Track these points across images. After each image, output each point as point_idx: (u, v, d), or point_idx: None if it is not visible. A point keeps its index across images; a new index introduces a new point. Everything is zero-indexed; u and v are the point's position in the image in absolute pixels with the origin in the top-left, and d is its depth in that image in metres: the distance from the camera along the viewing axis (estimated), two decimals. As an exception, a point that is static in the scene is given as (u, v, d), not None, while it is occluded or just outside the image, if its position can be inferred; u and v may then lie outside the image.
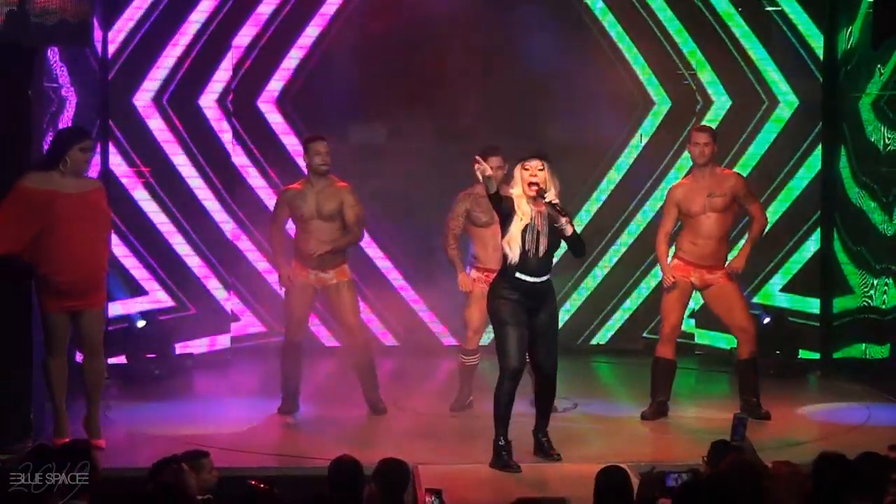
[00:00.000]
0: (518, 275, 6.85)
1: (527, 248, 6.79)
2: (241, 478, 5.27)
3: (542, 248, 6.81)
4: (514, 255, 6.81)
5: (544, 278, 6.91)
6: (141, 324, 9.29)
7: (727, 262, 8.12)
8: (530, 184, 6.78)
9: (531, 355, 7.03)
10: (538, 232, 6.80)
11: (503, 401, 6.86)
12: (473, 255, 8.20)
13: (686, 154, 10.18)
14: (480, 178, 6.86)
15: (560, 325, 10.33)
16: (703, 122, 9.52)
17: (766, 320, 9.56)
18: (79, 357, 7.51)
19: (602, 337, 10.57)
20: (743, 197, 8.10)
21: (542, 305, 6.93)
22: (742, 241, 8.34)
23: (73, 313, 7.19)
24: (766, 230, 8.40)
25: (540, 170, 6.81)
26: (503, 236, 6.88)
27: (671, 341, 8.15)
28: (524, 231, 6.80)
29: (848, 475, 4.77)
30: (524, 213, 6.79)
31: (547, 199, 6.76)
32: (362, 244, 9.21)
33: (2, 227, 6.98)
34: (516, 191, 6.84)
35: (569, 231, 6.79)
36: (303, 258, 8.09)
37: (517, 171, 6.89)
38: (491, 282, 7.20)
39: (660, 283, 10.36)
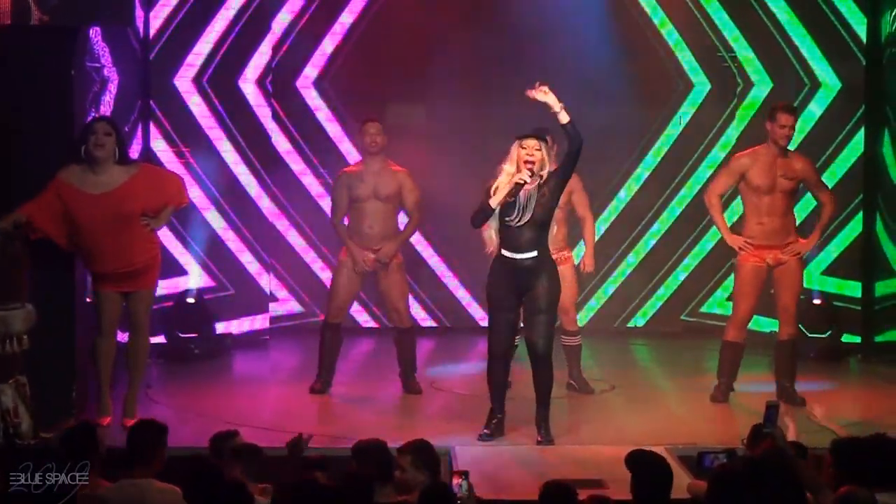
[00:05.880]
0: (504, 252, 6.93)
1: (512, 223, 6.84)
2: (278, 458, 5.30)
3: (525, 222, 6.82)
4: (497, 237, 6.93)
5: (533, 254, 6.89)
6: (190, 300, 9.41)
7: (792, 244, 7.92)
8: (526, 161, 6.83)
9: (525, 334, 7.11)
10: (522, 207, 6.83)
11: (492, 380, 7.08)
12: None
13: (725, 136, 10.20)
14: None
15: (597, 307, 10.48)
16: (743, 105, 9.46)
17: (817, 301, 9.56)
18: (122, 336, 7.56)
19: (639, 319, 10.55)
20: (813, 184, 8.02)
21: (534, 283, 6.92)
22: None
23: (124, 294, 7.24)
24: (807, 213, 8.37)
25: (537, 149, 6.86)
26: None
27: (743, 327, 8.00)
28: (505, 208, 6.83)
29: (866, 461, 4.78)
30: (509, 194, 6.81)
31: (521, 180, 6.77)
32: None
33: (46, 214, 7.01)
34: (509, 167, 6.88)
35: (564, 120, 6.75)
36: (356, 238, 8.13)
37: (514, 148, 6.91)
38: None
39: (698, 266, 10.39)
